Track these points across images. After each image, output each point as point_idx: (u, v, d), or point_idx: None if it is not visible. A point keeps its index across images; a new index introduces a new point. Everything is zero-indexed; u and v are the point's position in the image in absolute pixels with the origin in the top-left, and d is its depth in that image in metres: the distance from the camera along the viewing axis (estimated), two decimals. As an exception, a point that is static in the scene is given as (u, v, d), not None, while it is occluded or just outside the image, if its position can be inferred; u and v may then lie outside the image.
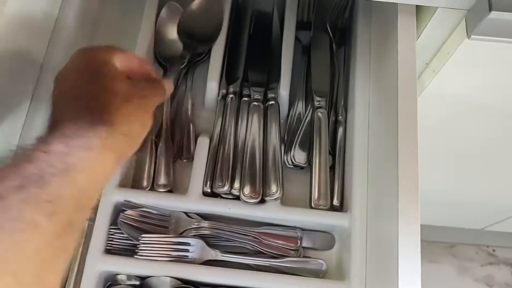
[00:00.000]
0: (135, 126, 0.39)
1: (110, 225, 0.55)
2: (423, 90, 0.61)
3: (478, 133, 0.71)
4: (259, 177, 0.56)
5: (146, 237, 0.53)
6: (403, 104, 0.47)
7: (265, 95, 0.62)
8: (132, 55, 0.45)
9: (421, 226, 1.32)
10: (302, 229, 0.57)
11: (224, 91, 0.62)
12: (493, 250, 1.45)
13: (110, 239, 0.55)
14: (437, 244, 1.45)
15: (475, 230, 1.36)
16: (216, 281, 0.53)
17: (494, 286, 1.41)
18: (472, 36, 0.48)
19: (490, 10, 0.44)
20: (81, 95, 0.38)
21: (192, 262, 0.54)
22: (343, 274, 0.54)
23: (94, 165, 0.34)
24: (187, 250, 0.54)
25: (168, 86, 0.49)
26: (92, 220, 0.56)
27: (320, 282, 0.54)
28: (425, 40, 0.55)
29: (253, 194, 0.55)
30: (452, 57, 0.52)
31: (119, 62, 0.42)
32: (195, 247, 0.54)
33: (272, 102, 0.61)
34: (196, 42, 0.62)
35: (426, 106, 0.65)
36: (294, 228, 0.57)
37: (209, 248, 0.54)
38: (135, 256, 0.53)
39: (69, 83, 0.40)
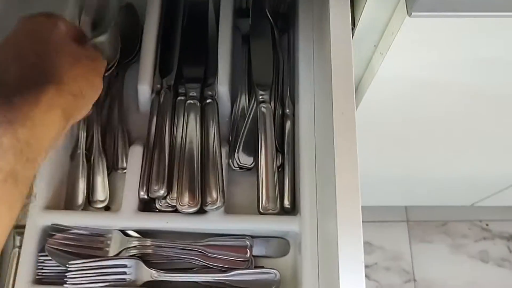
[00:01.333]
0: (85, 88, 0.41)
1: (39, 252, 0.50)
2: (375, 74, 0.56)
3: (438, 110, 0.67)
4: (197, 184, 0.51)
5: (74, 263, 0.49)
6: (337, 95, 0.42)
7: (202, 92, 0.56)
8: (73, 24, 0.46)
9: (410, 207, 1.30)
10: (252, 237, 0.52)
11: (158, 86, 0.57)
12: (486, 225, 1.43)
13: (40, 267, 0.50)
14: (428, 223, 1.43)
15: (466, 207, 1.34)
16: (158, 304, 0.48)
17: (489, 261, 1.39)
18: (412, 14, 0.44)
19: None
20: (29, 58, 0.39)
21: (130, 285, 0.49)
22: (298, 282, 0.50)
23: (38, 120, 0.35)
24: (124, 273, 0.49)
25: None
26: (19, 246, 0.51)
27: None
28: (367, 21, 0.50)
29: (191, 203, 0.50)
30: (396, 37, 0.48)
31: (63, 27, 0.42)
32: (132, 268, 0.49)
33: (210, 100, 0.55)
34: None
35: (382, 91, 0.60)
36: (242, 236, 0.52)
37: (147, 268, 0.49)
38: (64, 286, 0.48)
39: (15, 50, 0.40)
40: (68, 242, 0.50)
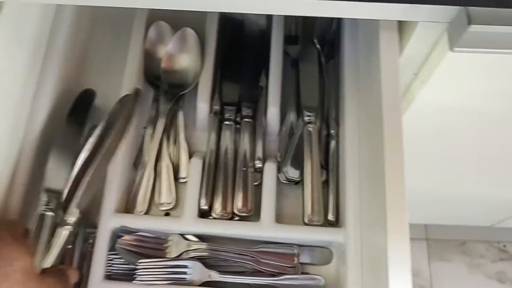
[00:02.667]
0: None
1: (109, 251, 0.56)
2: (413, 100, 0.61)
3: (468, 136, 0.71)
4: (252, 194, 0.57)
5: (143, 262, 0.54)
6: (387, 119, 0.48)
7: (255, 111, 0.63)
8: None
9: (430, 225, 1.31)
10: (299, 245, 0.57)
11: (216, 106, 0.63)
12: (504, 246, 1.44)
13: (109, 264, 0.55)
14: (447, 242, 1.44)
15: (485, 227, 1.34)
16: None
17: (506, 282, 1.40)
18: (454, 49, 0.47)
19: (469, 23, 0.44)
20: None
21: (190, 284, 0.54)
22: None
23: None
24: (185, 273, 0.55)
25: (74, 274, 0.52)
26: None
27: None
28: (411, 52, 0.55)
29: (244, 209, 0.57)
30: (438, 69, 0.52)
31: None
32: (193, 269, 0.55)
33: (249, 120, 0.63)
34: (181, 87, 0.64)
35: (419, 115, 0.65)
36: (290, 245, 0.57)
37: (206, 270, 0.55)
38: (134, 282, 0.54)
39: None
40: (135, 243, 0.56)
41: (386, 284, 0.44)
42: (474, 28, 0.44)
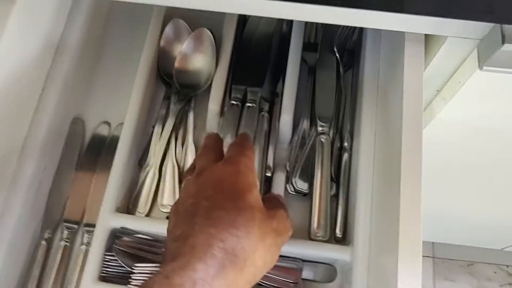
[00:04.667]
0: (261, 266, 0.38)
1: (106, 251, 0.54)
2: (434, 117, 0.59)
3: (486, 156, 0.69)
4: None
5: (139, 266, 0.52)
6: (407, 135, 0.46)
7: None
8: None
9: (438, 244, 1.28)
10: (303, 260, 0.55)
11: (226, 108, 0.61)
12: None
13: (106, 265, 0.53)
14: (455, 262, 1.42)
15: (495, 250, 1.32)
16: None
17: None
18: (484, 67, 0.46)
19: (503, 42, 0.42)
20: (217, 234, 0.35)
21: (187, 292, 0.52)
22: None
23: None
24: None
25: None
26: (88, 245, 0.55)
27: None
28: (436, 68, 0.53)
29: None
30: (463, 87, 0.50)
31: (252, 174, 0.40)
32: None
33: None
34: (192, 88, 0.62)
35: (437, 132, 0.63)
36: (294, 259, 0.55)
37: (205, 278, 0.53)
38: (128, 286, 0.52)
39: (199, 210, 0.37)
40: (133, 245, 0.54)
41: None
42: (507, 47, 0.42)
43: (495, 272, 1.42)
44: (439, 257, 1.43)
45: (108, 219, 0.54)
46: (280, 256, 0.53)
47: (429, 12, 0.43)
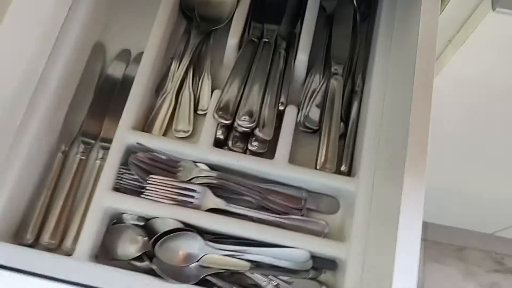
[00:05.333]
0: None
1: (120, 165, 0.56)
2: (443, 67, 0.61)
3: (497, 119, 0.70)
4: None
5: (154, 178, 0.55)
6: (419, 78, 0.48)
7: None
8: None
9: (431, 224, 1.30)
10: (308, 191, 0.57)
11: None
12: (502, 258, 1.44)
13: (119, 178, 0.56)
14: (446, 245, 1.44)
15: (485, 235, 1.34)
16: (218, 228, 0.54)
17: None
18: (497, 9, 0.47)
19: None
20: None
21: (196, 208, 0.54)
22: (344, 237, 0.55)
23: None
24: (192, 197, 0.55)
25: None
26: (103, 160, 0.57)
27: (320, 240, 0.54)
28: (450, 15, 0.54)
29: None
30: (475, 32, 0.52)
31: None
32: (201, 195, 0.55)
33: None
34: (213, 22, 0.64)
35: (444, 87, 0.64)
36: (300, 188, 0.57)
37: (214, 197, 0.55)
38: (141, 196, 0.54)
39: None
40: (147, 161, 0.56)
41: (394, 234, 0.44)
42: None
43: (484, 259, 1.43)
44: (431, 239, 1.44)
45: (125, 135, 0.56)
46: (286, 185, 0.56)
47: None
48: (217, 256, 0.53)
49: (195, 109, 0.61)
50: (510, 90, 0.62)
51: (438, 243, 1.43)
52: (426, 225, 1.44)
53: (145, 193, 0.54)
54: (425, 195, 1.10)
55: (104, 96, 0.62)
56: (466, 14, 0.53)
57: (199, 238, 0.53)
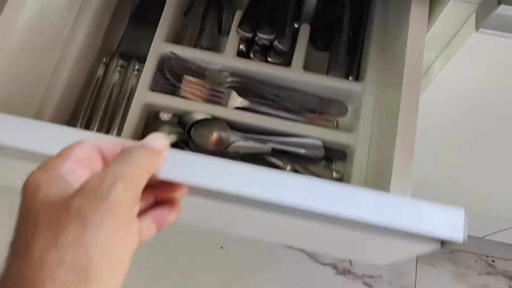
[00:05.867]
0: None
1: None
2: (431, 82, 0.63)
3: (482, 132, 0.72)
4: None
5: (188, 78, 0.62)
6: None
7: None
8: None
9: None
10: (320, 98, 0.65)
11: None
12: (493, 261, 1.46)
13: (156, 82, 0.63)
14: None
15: (476, 238, 1.37)
16: (244, 120, 0.61)
17: None
18: (480, 30, 0.47)
19: (499, 4, 0.44)
20: None
21: (224, 105, 0.62)
22: (352, 131, 0.62)
23: None
24: (220, 97, 0.63)
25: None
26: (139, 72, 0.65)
27: (331, 131, 0.62)
28: (437, 31, 0.55)
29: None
30: (460, 50, 0.52)
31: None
32: (227, 96, 0.63)
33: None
34: None
35: (432, 100, 0.66)
36: (313, 95, 0.65)
37: (238, 96, 0.63)
38: (176, 93, 0.62)
39: None
40: (179, 68, 0.64)
41: (395, 127, 0.50)
42: (503, 9, 0.45)
43: (475, 261, 1.46)
44: None
45: (160, 45, 0.65)
46: (301, 91, 0.64)
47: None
48: (243, 143, 0.60)
49: (220, 28, 0.70)
50: (493, 106, 0.64)
51: (430, 246, 1.46)
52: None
53: (181, 90, 0.62)
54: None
55: (138, 20, 0.70)
56: (451, 34, 0.55)
57: (227, 127, 0.61)
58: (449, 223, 0.35)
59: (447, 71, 0.57)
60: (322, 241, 0.56)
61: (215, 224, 0.62)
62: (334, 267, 1.40)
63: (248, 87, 0.64)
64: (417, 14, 0.52)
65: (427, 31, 0.54)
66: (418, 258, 1.43)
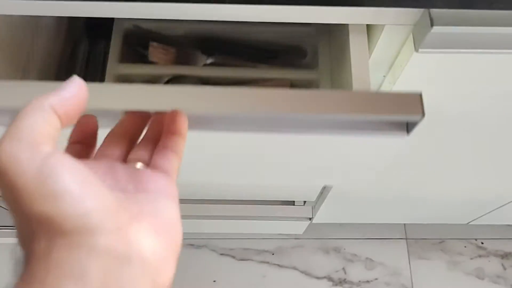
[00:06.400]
0: None
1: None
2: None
3: (439, 139, 0.74)
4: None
5: (154, 44, 0.65)
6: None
7: None
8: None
9: (409, 225, 1.43)
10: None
11: None
12: (482, 243, 1.47)
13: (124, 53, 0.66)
14: (426, 240, 1.47)
15: (463, 225, 1.38)
16: (214, 74, 0.64)
17: (485, 278, 1.42)
18: (420, 50, 0.48)
19: (432, 25, 0.45)
20: None
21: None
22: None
23: None
24: (188, 58, 0.66)
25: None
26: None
27: (296, 70, 0.66)
28: (379, 54, 0.56)
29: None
30: (405, 70, 0.53)
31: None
32: (194, 55, 0.66)
33: None
34: None
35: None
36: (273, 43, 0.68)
37: (204, 55, 0.66)
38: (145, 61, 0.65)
39: None
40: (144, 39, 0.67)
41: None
42: (437, 29, 0.45)
43: (465, 246, 1.47)
44: (412, 237, 1.46)
45: (122, 21, 0.67)
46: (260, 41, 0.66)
47: (366, 3, 0.46)
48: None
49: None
50: (442, 115, 0.66)
51: (419, 239, 1.46)
52: (405, 226, 1.47)
53: (147, 60, 0.65)
54: (402, 205, 1.10)
55: None
56: (394, 55, 0.55)
57: (199, 83, 0.63)
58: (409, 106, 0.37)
59: (397, 88, 0.58)
60: (303, 164, 0.57)
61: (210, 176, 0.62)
62: (330, 279, 1.40)
63: (212, 46, 0.67)
64: (356, 42, 0.53)
65: (370, 56, 0.55)
66: (409, 254, 1.43)
